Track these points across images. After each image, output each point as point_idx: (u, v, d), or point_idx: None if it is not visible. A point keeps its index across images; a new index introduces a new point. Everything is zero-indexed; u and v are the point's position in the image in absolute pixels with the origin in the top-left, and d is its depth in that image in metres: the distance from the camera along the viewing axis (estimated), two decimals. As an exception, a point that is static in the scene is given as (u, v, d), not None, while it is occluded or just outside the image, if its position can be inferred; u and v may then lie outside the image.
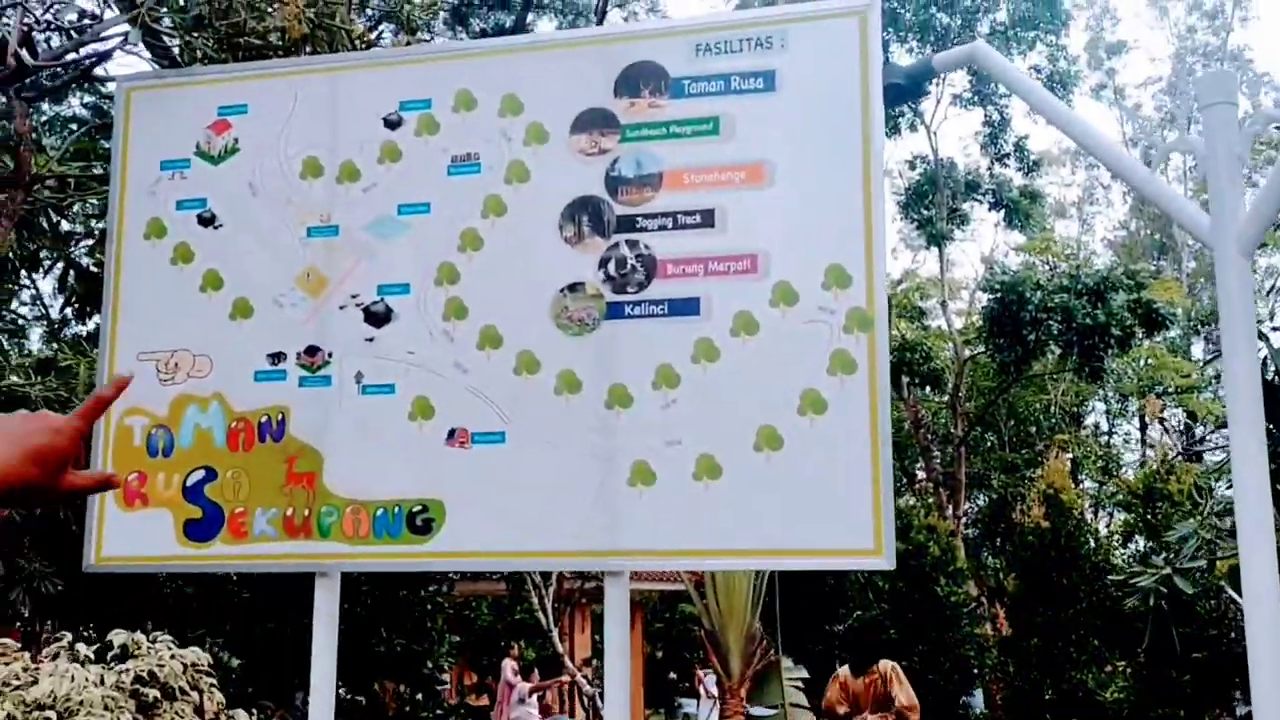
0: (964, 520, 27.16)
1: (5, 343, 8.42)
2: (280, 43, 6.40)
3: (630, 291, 4.37)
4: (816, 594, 26.57)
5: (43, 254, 7.49)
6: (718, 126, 4.42)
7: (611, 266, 4.41)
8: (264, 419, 4.61)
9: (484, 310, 4.49)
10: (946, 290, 29.84)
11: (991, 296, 22.70)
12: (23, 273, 8.37)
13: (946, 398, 28.84)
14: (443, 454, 4.43)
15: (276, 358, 4.63)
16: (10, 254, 6.94)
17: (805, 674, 14.40)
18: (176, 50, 6.06)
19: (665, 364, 4.28)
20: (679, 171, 4.42)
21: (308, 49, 6.02)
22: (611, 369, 4.34)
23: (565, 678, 21.96)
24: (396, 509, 4.44)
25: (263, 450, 4.59)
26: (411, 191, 4.64)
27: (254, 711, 5.09)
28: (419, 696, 10.13)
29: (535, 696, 20.63)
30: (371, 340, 4.57)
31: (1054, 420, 30.40)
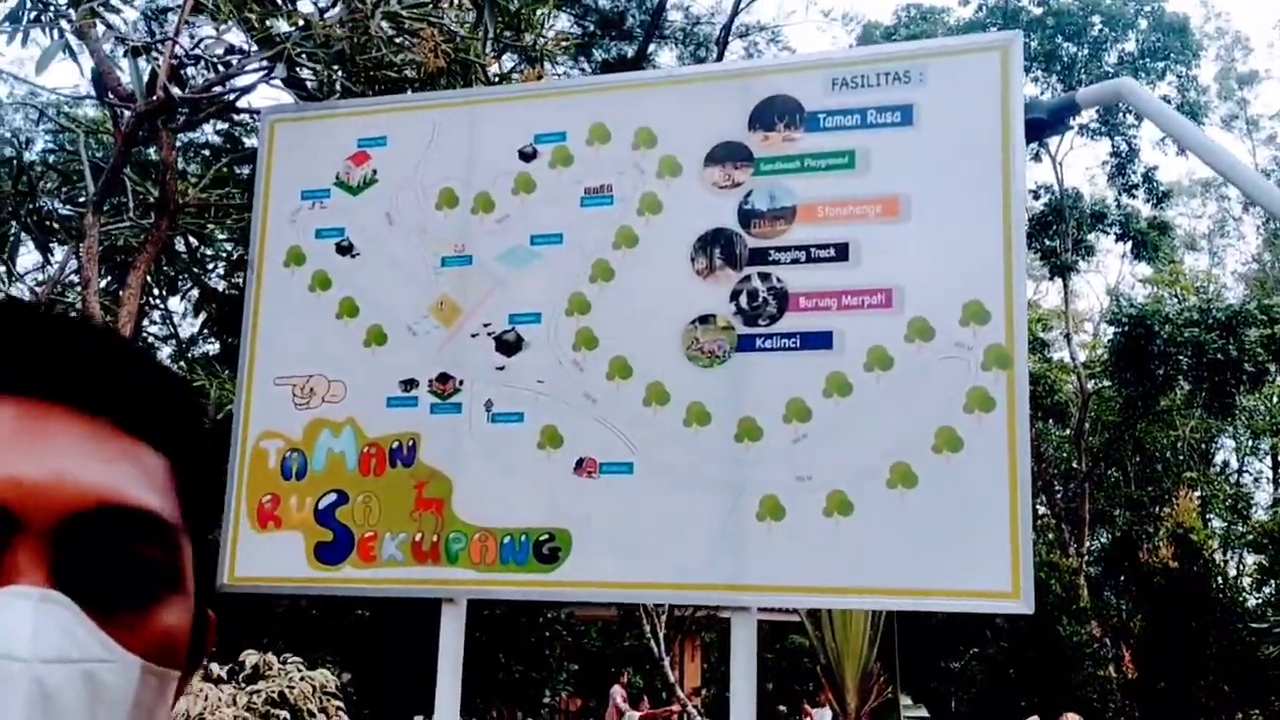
0: (1087, 558, 26.42)
1: None
2: (416, 76, 6.53)
3: (762, 324, 4.34)
4: (934, 631, 26.07)
5: (179, 278, 7.74)
6: (853, 160, 4.37)
7: (743, 299, 4.39)
8: (395, 444, 4.68)
9: (614, 341, 4.50)
10: (1071, 322, 29.16)
11: (1118, 329, 22.14)
12: (158, 294, 8.64)
13: (1070, 432, 28.16)
14: (570, 483, 4.44)
15: (409, 384, 4.70)
16: (149, 278, 7.18)
17: (925, 713, 14.09)
18: (313, 85, 6.22)
19: (796, 398, 4.23)
20: (813, 205, 4.38)
21: (443, 83, 6.13)
22: (742, 402, 4.31)
23: (675, 707, 21.87)
24: (524, 537, 4.46)
25: (394, 475, 4.65)
26: (545, 222, 4.68)
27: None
28: (536, 720, 10.20)
29: (643, 724, 20.57)
30: (502, 369, 4.61)
31: (1182, 457, 29.48)
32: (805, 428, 4.21)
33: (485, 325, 4.67)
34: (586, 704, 23.96)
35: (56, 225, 6.45)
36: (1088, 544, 26.69)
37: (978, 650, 28.68)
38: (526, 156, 4.75)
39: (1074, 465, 27.57)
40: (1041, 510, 29.78)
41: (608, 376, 4.48)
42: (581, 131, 4.70)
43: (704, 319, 4.42)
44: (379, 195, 4.89)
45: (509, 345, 4.63)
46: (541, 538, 4.44)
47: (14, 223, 6.05)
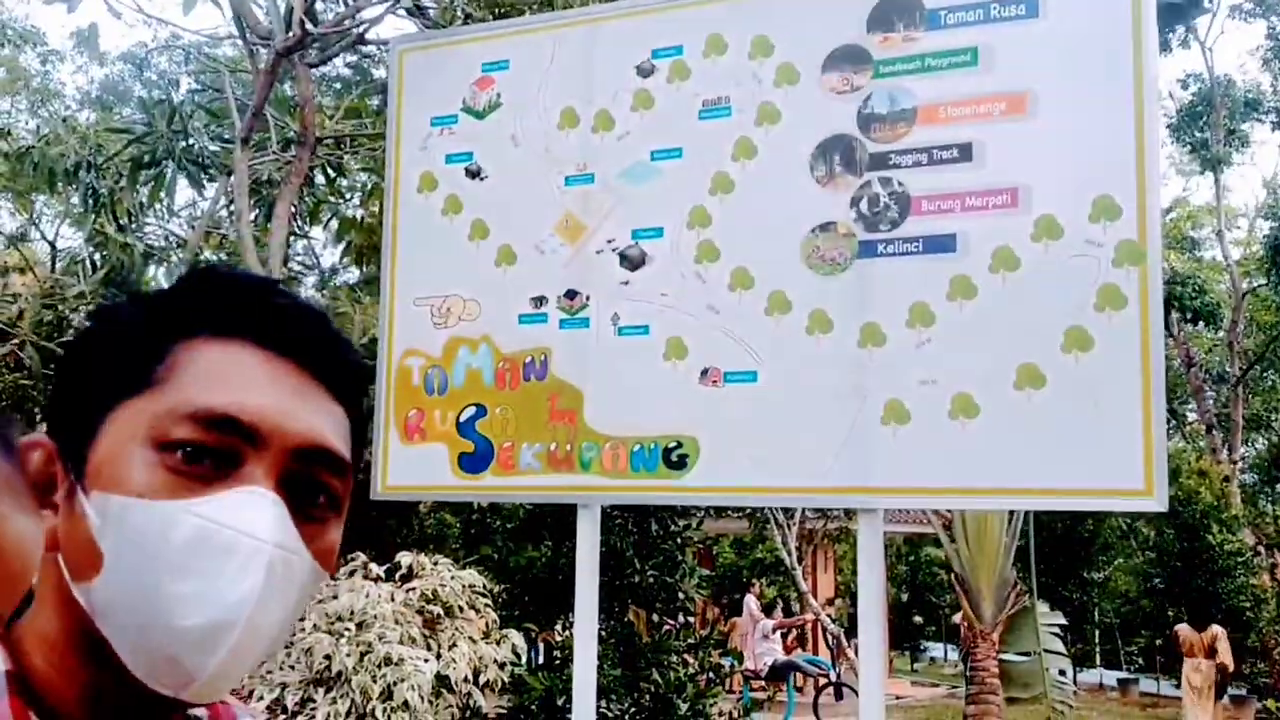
0: (1240, 465, 25.62)
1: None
2: (536, 2, 6.60)
3: (883, 230, 4.34)
4: (1074, 540, 25.67)
5: (320, 208, 8.01)
6: (976, 57, 4.30)
7: (864, 205, 4.39)
8: (528, 360, 4.83)
9: (735, 252, 4.55)
10: (1223, 218, 27.91)
11: (1274, 224, 21.14)
12: (302, 226, 8.97)
13: (1222, 334, 27.17)
14: (696, 393, 4.54)
15: (539, 301, 4.84)
16: (293, 209, 7.46)
17: (1062, 620, 13.96)
18: (434, 13, 6.34)
19: (920, 302, 4.23)
20: (935, 105, 4.34)
21: (562, 3, 6.19)
22: (864, 308, 4.33)
23: (809, 616, 22.06)
24: (653, 445, 4.58)
25: (527, 389, 4.81)
26: (664, 138, 4.73)
27: (520, 633, 5.41)
28: (671, 624, 10.46)
29: (779, 634, 20.81)
30: (626, 284, 4.70)
31: (1345, 357, 28.17)
32: (929, 332, 4.22)
33: (609, 241, 4.76)
34: (721, 614, 24.34)
35: (207, 162, 6.74)
36: (1241, 450, 25.85)
37: (1122, 560, 28.18)
38: (644, 72, 4.79)
39: (1226, 369, 26.65)
40: (1191, 416, 28.94)
41: (730, 287, 4.54)
42: (698, 44, 4.72)
43: (824, 226, 4.43)
44: (504, 118, 5.00)
45: (633, 260, 4.72)
46: (670, 445, 4.55)
47: (169, 161, 6.34)
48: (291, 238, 9.51)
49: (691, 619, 11.28)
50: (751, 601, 21.57)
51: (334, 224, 8.68)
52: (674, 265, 4.65)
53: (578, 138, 4.87)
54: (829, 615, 22.85)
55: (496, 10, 6.09)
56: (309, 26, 5.39)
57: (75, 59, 26.42)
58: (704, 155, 4.65)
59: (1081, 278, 4.02)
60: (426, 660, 4.09)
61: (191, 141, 6.38)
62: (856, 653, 28.60)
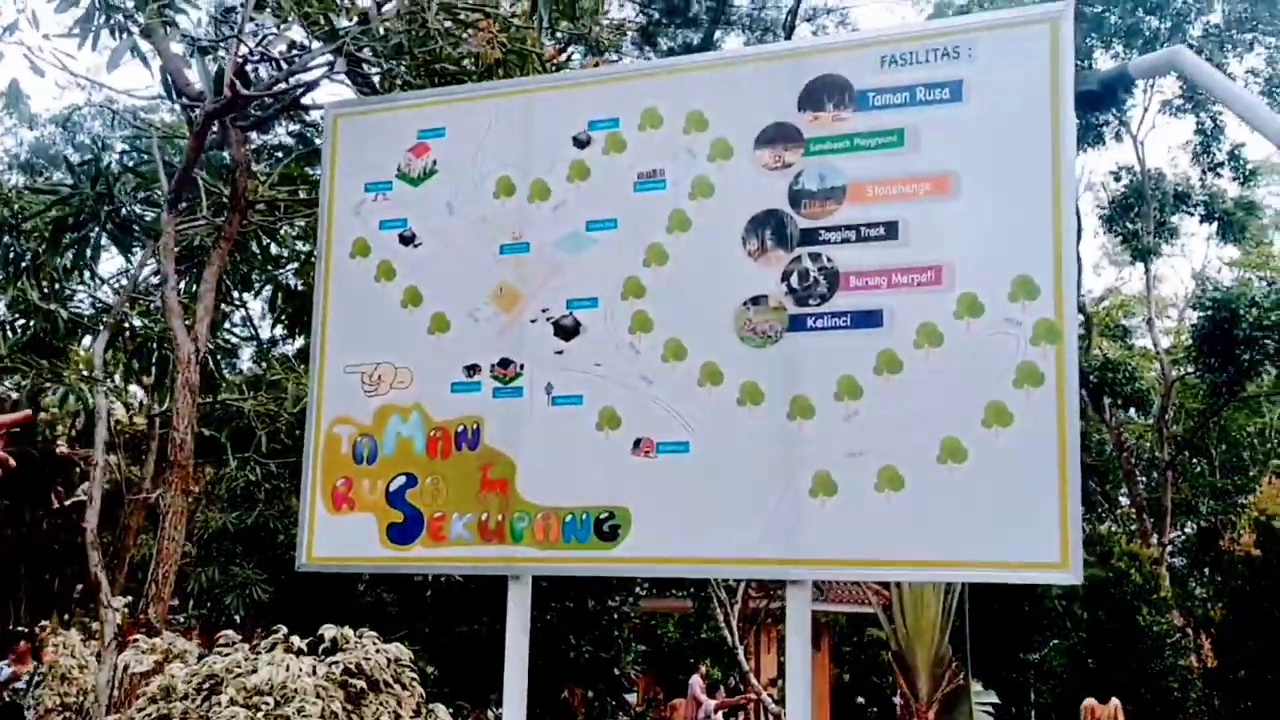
0: (1169, 548, 25.95)
1: (220, 362, 8.98)
2: (474, 68, 6.67)
3: (813, 304, 4.41)
4: (1011, 620, 25.75)
5: (253, 275, 7.96)
6: (903, 138, 4.42)
7: (794, 279, 4.46)
8: (460, 428, 4.82)
9: (669, 323, 4.60)
10: (1153, 307, 28.59)
11: (1202, 314, 21.63)
12: (235, 295, 8.90)
13: (1152, 420, 27.66)
14: (629, 463, 4.55)
15: (472, 370, 4.84)
16: (224, 276, 7.40)
17: (995, 699, 13.99)
18: (377, 79, 6.38)
19: (848, 375, 4.30)
20: (863, 184, 4.44)
21: (500, 73, 6.27)
22: (794, 380, 4.38)
23: (751, 695, 21.89)
24: (585, 515, 4.57)
25: (459, 458, 4.80)
26: (599, 208, 4.79)
27: (451, 710, 5.30)
28: (610, 702, 10.34)
29: (721, 714, 20.63)
30: (561, 353, 4.73)
31: (1270, 445, 28.77)
32: (856, 405, 4.28)
33: (544, 310, 4.79)
34: (670, 697, 24.07)
35: (136, 227, 6.69)
36: (1170, 534, 26.20)
37: (1058, 641, 28.31)
38: (581, 143, 4.87)
39: (1156, 454, 27.09)
40: (1123, 500, 29.32)
41: (663, 358, 4.58)
42: (634, 117, 4.80)
43: (756, 300, 4.49)
44: (439, 185, 5.04)
45: (567, 330, 4.75)
46: (602, 516, 4.55)
47: (94, 224, 6.28)
48: (227, 308, 9.44)
49: (631, 696, 11.14)
50: (697, 682, 21.37)
51: (267, 293, 8.66)
52: (608, 335, 4.69)
53: (514, 206, 4.91)
54: (771, 695, 22.73)
55: (436, 79, 6.16)
56: (240, 89, 5.41)
57: (4, 120, 26.18)
58: (639, 226, 4.72)
59: (1001, 355, 4.11)
60: (348, 736, 4.03)
61: (119, 205, 6.34)
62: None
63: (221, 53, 5.85)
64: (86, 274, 7.00)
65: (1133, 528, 26.60)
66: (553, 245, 4.83)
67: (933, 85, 4.41)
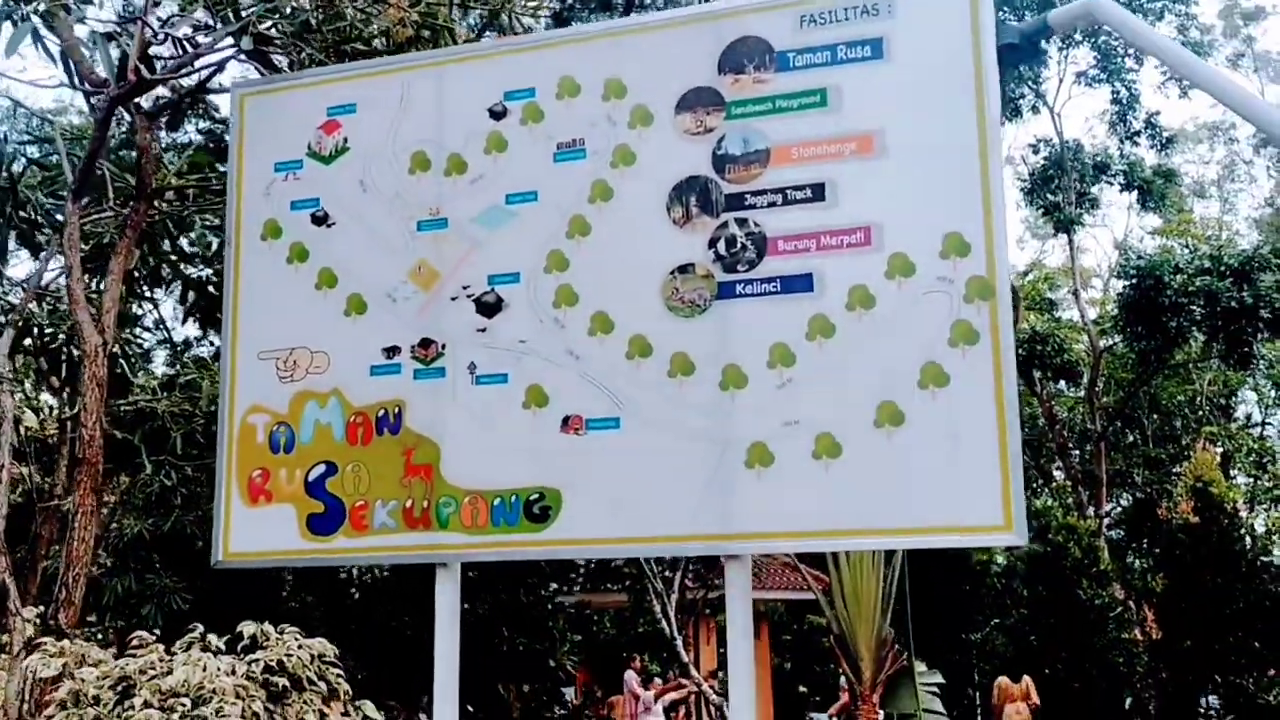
0: (1106, 521, 26.27)
1: (133, 364, 8.66)
2: (386, 47, 6.48)
3: (741, 270, 4.29)
4: (953, 600, 25.97)
5: (163, 271, 7.67)
6: (825, 98, 4.31)
7: (721, 246, 4.33)
8: (381, 413, 4.64)
9: (594, 296, 4.46)
10: (1078, 278, 28.88)
11: (1127, 283, 21.82)
12: (147, 298, 8.60)
13: (1083, 392, 27.98)
14: (558, 441, 4.40)
15: (391, 351, 4.66)
16: (135, 272, 7.15)
17: (940, 679, 13.99)
18: (285, 62, 6.17)
19: (780, 342, 4.18)
20: (787, 146, 4.33)
21: (413, 52, 6.08)
22: (725, 350, 4.26)
23: (688, 683, 21.80)
24: (514, 498, 4.42)
25: (381, 443, 4.62)
26: (519, 181, 4.64)
27: (381, 710, 5.10)
28: (543, 698, 10.17)
29: (660, 704, 20.51)
30: (484, 330, 4.57)
31: (1201, 412, 29.22)
32: (790, 372, 4.16)
33: (464, 288, 4.62)
34: (608, 693, 23.92)
35: (42, 222, 6.41)
36: (1106, 506, 26.53)
37: (999, 621, 28.58)
38: (497, 115, 4.71)
39: (1089, 426, 27.40)
40: (1057, 474, 29.65)
41: (589, 332, 4.44)
42: (550, 86, 4.65)
43: (683, 268, 4.36)
44: (351, 163, 4.86)
45: (489, 307, 4.59)
46: (532, 497, 4.40)
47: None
48: (139, 309, 9.10)
49: (569, 691, 10.97)
50: (631, 676, 21.20)
51: (177, 288, 8.35)
52: (532, 311, 4.54)
53: (430, 181, 4.74)
54: (713, 687, 22.65)
55: (348, 60, 5.95)
56: (144, 73, 5.17)
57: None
58: (560, 198, 4.57)
59: (935, 314, 4.01)
60: (270, 736, 3.84)
61: (24, 201, 6.05)
62: (741, 723, 28.38)
63: (126, 39, 5.60)
64: (-1, 273, 6.70)
65: (1069, 501, 26.87)
66: (471, 220, 4.67)
67: (854, 43, 4.31)
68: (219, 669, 4.03)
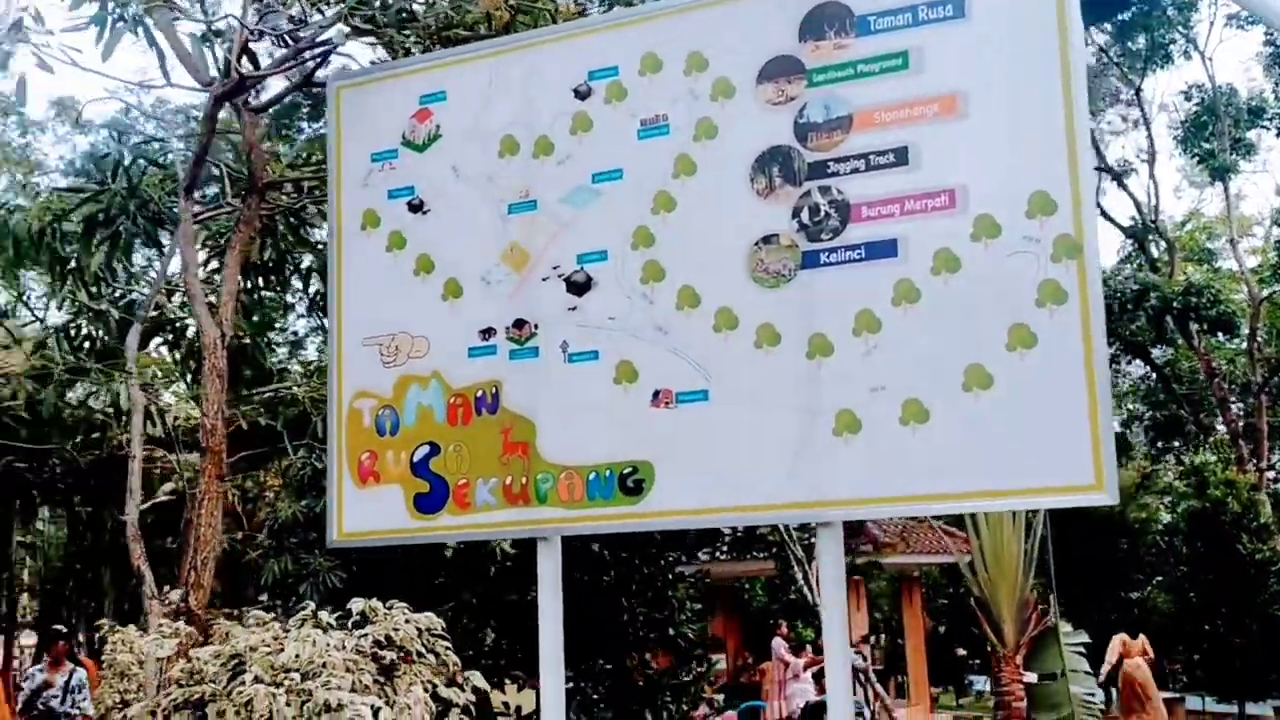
0: (1269, 474, 25.22)
1: (262, 353, 8.99)
2: (489, 32, 6.57)
3: (825, 239, 4.27)
4: (1108, 559, 25.30)
5: (285, 261, 7.97)
6: (907, 60, 4.25)
7: (805, 215, 4.32)
8: (479, 393, 4.76)
9: (681, 270, 4.49)
10: (1235, 227, 27.68)
11: (1286, 229, 20.86)
12: (274, 289, 8.90)
13: (1243, 344, 26.86)
14: (649, 415, 4.46)
15: (487, 333, 4.78)
16: (264, 262, 7.45)
17: (1086, 638, 13.70)
18: (388, 54, 6.32)
19: (865, 309, 4.15)
20: (869, 111, 4.28)
21: (504, 31, 6.16)
22: (810, 319, 4.24)
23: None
24: (608, 472, 4.49)
25: (480, 423, 4.74)
26: (604, 159, 4.68)
27: (511, 681, 5.27)
28: (665, 667, 10.28)
29: (810, 673, 20.47)
30: (574, 309, 4.64)
31: (1368, 358, 27.73)
32: (876, 339, 4.13)
33: (555, 268, 4.70)
34: (747, 658, 24.01)
35: (164, 219, 6.72)
36: (1268, 459, 25.45)
37: (1161, 579, 27.73)
38: (582, 95, 4.76)
39: (1250, 378, 26.29)
40: (1219, 428, 28.55)
41: (677, 306, 4.47)
42: (633, 63, 4.68)
43: (767, 239, 4.36)
44: (444, 150, 4.97)
45: (579, 285, 4.66)
46: (625, 471, 4.47)
47: (123, 218, 6.31)
48: (262, 297, 9.43)
49: (695, 655, 11.07)
50: (779, 643, 21.23)
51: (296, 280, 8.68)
52: (620, 288, 4.59)
53: (519, 165, 4.83)
54: (859, 652, 22.52)
55: (449, 43, 6.06)
56: (244, 70, 5.38)
57: (57, 129, 26.59)
58: (644, 175, 4.60)
59: (1021, 275, 3.93)
60: (378, 708, 3.99)
61: (146, 199, 6.35)
62: (897, 691, 28.20)
63: (230, 37, 5.81)
64: (121, 270, 7.04)
65: (1229, 455, 25.87)
66: (559, 201, 4.74)
67: (935, 3, 4.22)
68: (329, 644, 4.21)
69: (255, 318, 8.44)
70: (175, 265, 7.26)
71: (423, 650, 4.50)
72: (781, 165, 4.38)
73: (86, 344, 8.43)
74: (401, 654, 4.45)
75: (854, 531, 22.23)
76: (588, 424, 4.56)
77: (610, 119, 4.70)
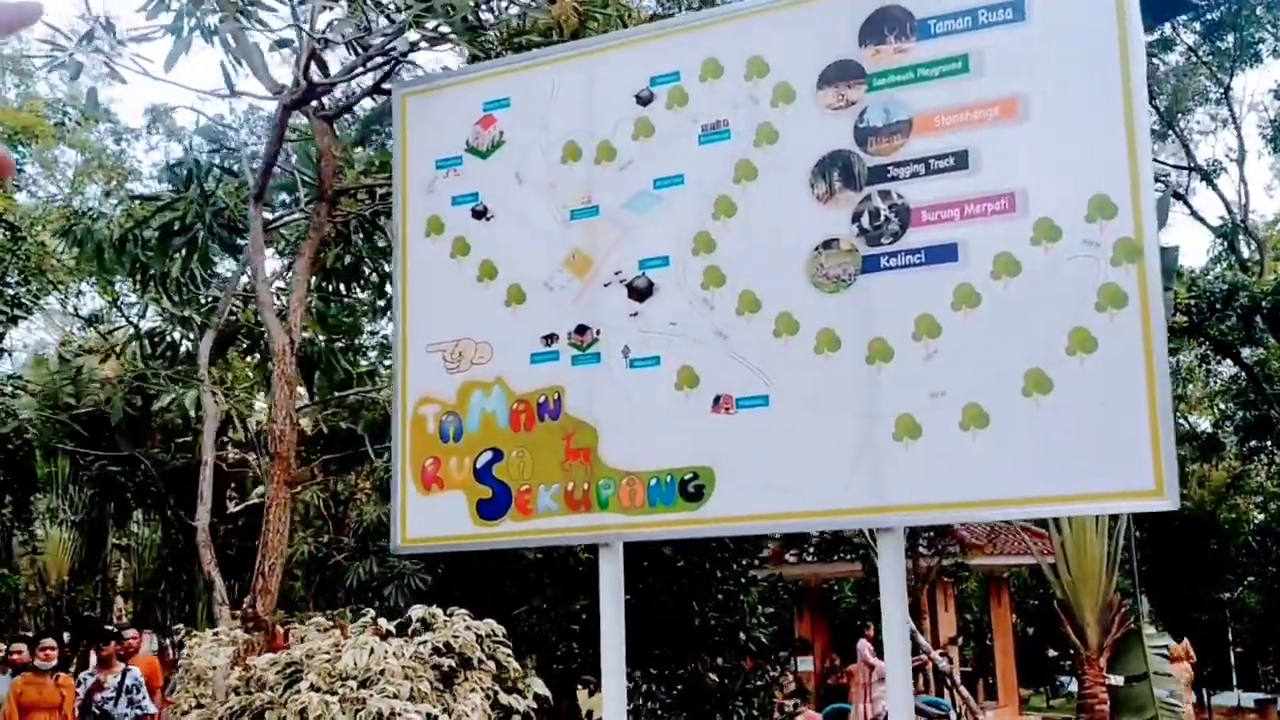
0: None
1: (338, 359, 9.12)
2: (559, 38, 6.62)
3: (885, 243, 4.25)
4: (1198, 561, 24.75)
5: (363, 266, 8.09)
6: (967, 64, 4.21)
7: (865, 219, 4.30)
8: (542, 399, 4.81)
9: (741, 275, 4.49)
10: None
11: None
12: (342, 288, 9.03)
13: (1339, 341, 26.03)
14: (709, 421, 4.47)
15: (549, 339, 4.82)
16: (336, 267, 7.57)
17: (1171, 641, 13.43)
18: (460, 62, 6.39)
19: (925, 314, 4.13)
20: (929, 115, 4.25)
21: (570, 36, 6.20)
22: (870, 323, 4.23)
23: (923, 656, 21.47)
24: (669, 478, 4.51)
25: (542, 429, 4.78)
26: (665, 165, 4.70)
27: (577, 684, 5.31)
28: (729, 668, 10.24)
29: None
30: (636, 315, 4.67)
31: None
32: (935, 343, 4.11)
33: (616, 273, 4.73)
34: (834, 660, 23.85)
35: (240, 225, 6.86)
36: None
37: (1253, 580, 27.06)
38: (643, 100, 4.78)
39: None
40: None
41: (737, 311, 4.48)
42: (695, 69, 4.70)
43: (827, 244, 4.35)
44: (507, 156, 5.02)
45: (640, 291, 4.68)
46: (686, 476, 4.49)
47: (199, 225, 6.45)
48: (345, 303, 9.57)
49: (806, 662, 10.92)
50: (865, 645, 21.07)
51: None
52: (681, 293, 4.61)
53: (581, 170, 4.87)
54: (944, 654, 22.27)
55: (521, 49, 6.10)
56: (315, 76, 5.47)
57: (149, 137, 27.20)
58: (705, 180, 4.62)
59: (1081, 278, 3.88)
60: (434, 716, 4.03)
61: (221, 206, 6.48)
62: (987, 692, 27.84)
63: (295, 49, 5.92)
64: (200, 277, 7.19)
65: (1325, 456, 25.13)
66: (621, 206, 4.77)
67: (994, 6, 4.18)
68: (388, 651, 4.27)
69: (331, 323, 8.57)
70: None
71: (483, 657, 4.54)
72: (841, 170, 4.37)
73: (170, 351, 8.64)
74: (461, 661, 4.50)
75: (942, 533, 22.00)
76: (649, 429, 4.58)
77: (672, 124, 4.72)
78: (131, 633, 11.09)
